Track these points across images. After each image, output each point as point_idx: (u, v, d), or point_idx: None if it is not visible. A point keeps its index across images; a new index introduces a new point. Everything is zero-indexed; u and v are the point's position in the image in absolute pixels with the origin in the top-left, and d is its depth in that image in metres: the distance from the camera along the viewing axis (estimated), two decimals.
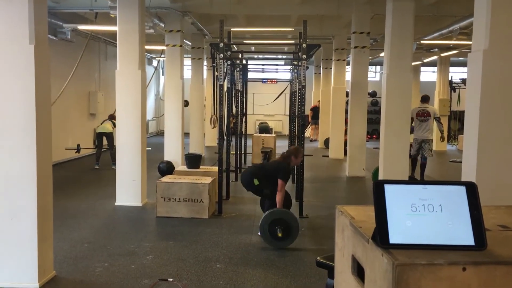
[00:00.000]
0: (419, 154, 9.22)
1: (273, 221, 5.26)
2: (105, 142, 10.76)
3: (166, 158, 10.22)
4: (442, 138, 9.99)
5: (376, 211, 1.12)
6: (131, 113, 7.21)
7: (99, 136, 10.80)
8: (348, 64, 13.93)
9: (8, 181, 4.04)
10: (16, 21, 3.94)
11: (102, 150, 10.91)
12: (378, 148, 8.06)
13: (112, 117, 10.61)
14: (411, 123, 8.67)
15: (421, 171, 9.34)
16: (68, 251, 5.10)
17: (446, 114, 16.94)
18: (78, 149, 11.59)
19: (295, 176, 8.23)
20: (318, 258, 2.91)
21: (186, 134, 11.41)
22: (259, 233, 5.78)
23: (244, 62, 10.87)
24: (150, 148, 10.55)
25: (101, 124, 11.00)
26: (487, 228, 1.15)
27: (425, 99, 9.60)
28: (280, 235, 5.23)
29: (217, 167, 7.11)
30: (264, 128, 18.95)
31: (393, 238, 1.09)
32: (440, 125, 9.50)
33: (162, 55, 14.60)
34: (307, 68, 7.17)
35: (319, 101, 17.07)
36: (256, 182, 5.85)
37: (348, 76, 12.35)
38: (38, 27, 4.03)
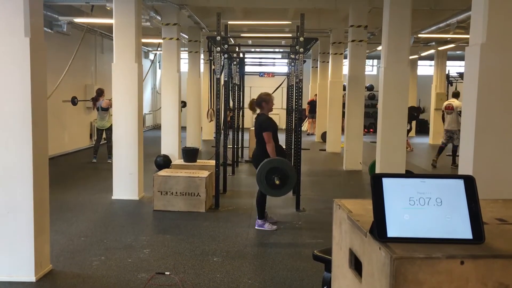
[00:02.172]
0: (449, 142, 10.83)
1: (269, 170, 5.23)
2: (104, 135, 10.73)
3: (163, 152, 10.21)
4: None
5: (374, 205, 1.12)
6: (128, 107, 7.19)
7: (98, 130, 10.76)
8: (345, 57, 13.89)
9: (4, 175, 4.03)
10: (12, 14, 3.92)
11: (100, 143, 10.88)
12: (375, 142, 8.07)
13: (100, 93, 10.54)
14: (442, 116, 11.08)
15: (452, 156, 11.08)
16: (64, 245, 5.10)
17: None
18: (74, 102, 11.49)
19: None
20: (315, 251, 2.92)
21: (183, 128, 11.39)
22: (256, 226, 5.79)
23: (241, 55, 10.84)
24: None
25: (98, 114, 10.82)
26: (485, 221, 1.14)
27: (455, 94, 11.25)
28: (277, 183, 5.21)
29: (214, 161, 7.11)
30: None
31: (391, 232, 1.09)
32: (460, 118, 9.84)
33: (159, 49, 14.55)
34: (304, 61, 7.15)
35: (316, 95, 17.07)
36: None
37: (345, 69, 12.34)
38: (34, 20, 4.01)
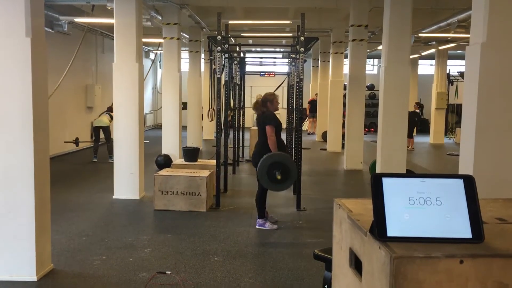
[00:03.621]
0: None
1: (271, 165, 5.23)
2: (102, 135, 10.74)
3: (163, 152, 10.21)
4: None
5: (374, 204, 1.12)
6: (129, 106, 7.20)
7: (95, 129, 10.77)
8: (346, 57, 13.88)
9: (6, 175, 4.03)
10: (13, 14, 3.92)
11: (100, 143, 10.89)
12: (376, 141, 8.07)
13: (110, 109, 10.58)
14: None
15: None
16: (66, 244, 5.11)
17: (444, 107, 16.96)
18: (76, 143, 11.56)
19: None
20: (315, 251, 2.92)
21: (183, 128, 11.39)
22: (257, 226, 5.80)
23: (242, 55, 10.84)
24: (148, 141, 10.54)
25: (99, 117, 10.95)
26: (484, 221, 1.15)
27: None
28: (279, 177, 5.21)
29: (214, 161, 7.11)
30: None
31: (391, 231, 1.09)
32: None
33: (160, 48, 14.54)
34: (305, 61, 7.16)
35: (316, 94, 17.05)
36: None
37: (346, 69, 12.33)
38: (35, 20, 4.01)
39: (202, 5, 10.86)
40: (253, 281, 4.23)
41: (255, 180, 5.55)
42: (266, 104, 5.90)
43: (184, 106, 12.40)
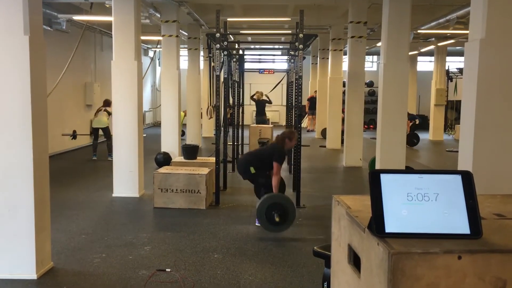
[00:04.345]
0: None
1: (270, 205, 5.26)
2: (101, 133, 10.73)
3: (163, 149, 10.21)
4: None
5: (372, 201, 1.13)
6: (128, 104, 7.19)
7: (95, 129, 10.76)
8: (345, 54, 13.87)
9: (5, 173, 4.03)
10: (11, 12, 3.91)
11: (99, 141, 10.88)
12: (375, 138, 8.07)
13: (107, 104, 10.56)
14: None
15: None
16: (65, 242, 5.11)
17: (443, 104, 16.96)
18: (74, 135, 11.52)
19: (292, 166, 8.24)
20: (315, 247, 2.93)
21: (183, 125, 11.39)
22: (256, 223, 5.80)
23: (240, 52, 10.83)
24: (145, 135, 10.53)
25: (96, 115, 10.84)
26: (482, 216, 1.15)
27: None
28: (277, 220, 5.24)
29: (214, 158, 7.11)
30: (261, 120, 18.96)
31: (389, 227, 1.09)
32: None
33: (158, 46, 14.53)
34: (304, 58, 7.15)
35: (316, 91, 17.05)
36: (252, 170, 5.85)
37: (345, 66, 12.32)
38: (33, 18, 4.00)
39: (200, 2, 10.84)
40: (252, 278, 4.24)
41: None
42: (284, 140, 5.98)
43: (182, 133, 12.52)
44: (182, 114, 12.01)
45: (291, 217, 5.30)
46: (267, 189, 5.77)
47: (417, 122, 14.23)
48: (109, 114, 10.38)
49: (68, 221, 5.94)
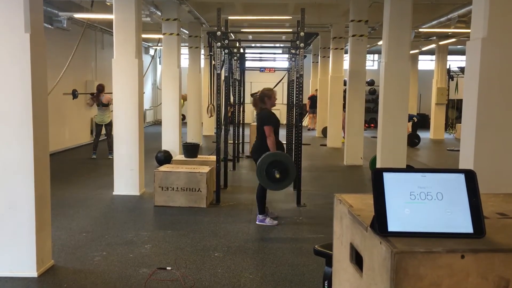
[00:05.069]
0: None
1: (270, 163, 5.24)
2: (103, 131, 10.72)
3: (163, 148, 10.21)
4: None
5: (375, 199, 1.12)
6: (128, 102, 7.19)
7: (98, 126, 10.75)
8: (346, 52, 13.86)
9: (5, 171, 4.03)
10: (11, 10, 3.91)
11: (100, 139, 10.88)
12: (376, 137, 8.07)
13: (100, 89, 10.52)
14: None
15: None
16: (66, 240, 5.11)
17: (444, 102, 16.95)
18: (75, 95, 11.45)
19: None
20: (316, 246, 2.92)
21: (183, 124, 11.39)
22: (257, 222, 5.81)
23: (241, 50, 10.82)
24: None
25: (98, 110, 10.78)
26: (485, 215, 1.15)
27: None
28: (278, 176, 5.22)
29: (214, 157, 7.11)
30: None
31: (392, 226, 1.09)
32: None
33: (159, 44, 14.52)
34: (305, 56, 7.15)
35: (316, 90, 17.04)
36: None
37: (346, 64, 12.31)
38: (34, 16, 4.00)
39: (201, 0, 10.83)
40: (253, 277, 4.24)
41: (255, 176, 5.56)
42: (263, 100, 5.90)
43: (183, 117, 12.43)
44: (181, 100, 11.79)
45: (292, 174, 5.26)
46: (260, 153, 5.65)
47: (416, 120, 14.20)
48: (105, 105, 10.34)
49: (69, 219, 5.94)
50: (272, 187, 5.27)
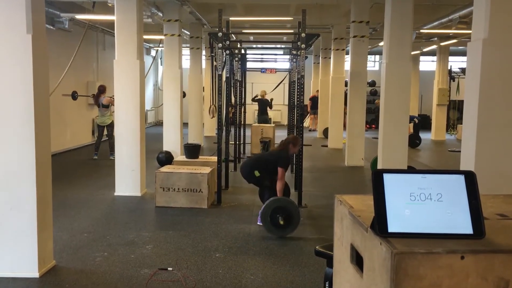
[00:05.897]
0: None
1: (275, 209, 5.28)
2: (105, 132, 10.73)
3: (165, 148, 10.22)
4: None
5: (375, 200, 1.12)
6: (130, 103, 7.20)
7: (100, 127, 10.76)
8: (347, 53, 13.88)
9: (7, 171, 4.04)
10: (13, 11, 3.92)
11: (102, 140, 10.88)
12: (377, 138, 8.07)
13: (101, 91, 10.53)
14: None
15: None
16: (67, 241, 5.12)
17: (445, 103, 16.94)
18: (75, 97, 11.45)
19: (294, 166, 8.24)
20: (317, 247, 2.92)
21: (185, 124, 11.39)
22: (258, 222, 5.81)
23: (242, 51, 10.83)
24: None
25: (99, 111, 10.79)
26: (485, 216, 1.15)
27: None
28: (282, 223, 5.25)
29: (216, 157, 7.11)
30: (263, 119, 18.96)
31: (392, 227, 1.09)
32: None
33: (161, 45, 14.53)
34: (306, 57, 7.15)
35: (317, 90, 17.04)
36: (257, 173, 5.87)
37: (347, 65, 12.32)
38: (36, 17, 4.01)
39: (203, 1, 10.84)
40: (254, 278, 4.24)
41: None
42: (288, 146, 6.00)
43: (183, 94, 12.30)
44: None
45: (296, 221, 5.31)
46: (271, 192, 5.78)
47: (417, 121, 14.19)
48: (105, 106, 10.35)
49: (70, 219, 5.95)
50: (276, 233, 5.33)
